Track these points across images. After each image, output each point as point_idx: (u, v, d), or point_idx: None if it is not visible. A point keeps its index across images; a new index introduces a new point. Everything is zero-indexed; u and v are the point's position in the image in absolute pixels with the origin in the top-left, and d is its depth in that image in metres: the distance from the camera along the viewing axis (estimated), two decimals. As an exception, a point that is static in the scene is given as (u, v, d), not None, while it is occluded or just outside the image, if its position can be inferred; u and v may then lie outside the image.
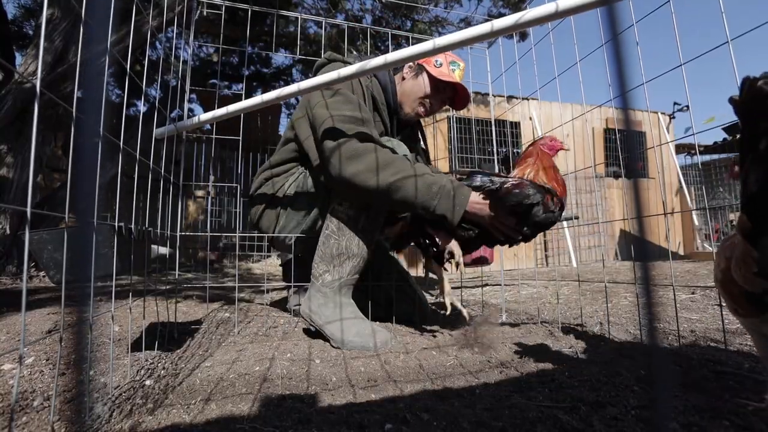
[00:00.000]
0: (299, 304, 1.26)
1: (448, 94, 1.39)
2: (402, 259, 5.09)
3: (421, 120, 1.55)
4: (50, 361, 0.89)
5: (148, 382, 0.79)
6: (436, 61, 1.32)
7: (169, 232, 1.20)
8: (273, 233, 1.39)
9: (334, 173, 1.08)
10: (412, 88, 1.36)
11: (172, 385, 0.77)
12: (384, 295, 1.44)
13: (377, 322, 1.23)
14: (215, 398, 0.71)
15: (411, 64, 1.35)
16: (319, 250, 1.19)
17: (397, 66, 0.95)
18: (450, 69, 1.32)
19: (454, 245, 1.17)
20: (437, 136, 5.27)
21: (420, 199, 1.05)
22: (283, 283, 1.60)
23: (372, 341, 1.04)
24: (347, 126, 1.09)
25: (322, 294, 1.16)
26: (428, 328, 1.35)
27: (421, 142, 1.58)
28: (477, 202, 1.09)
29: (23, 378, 0.79)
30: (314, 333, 1.19)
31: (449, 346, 1.09)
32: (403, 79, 1.38)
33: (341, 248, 1.16)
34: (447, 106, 1.44)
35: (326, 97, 1.15)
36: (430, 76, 1.33)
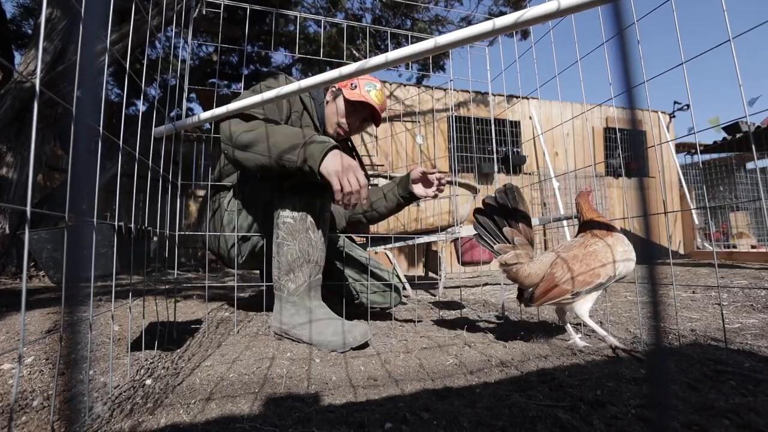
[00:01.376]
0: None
1: (365, 113, 1.48)
2: (403, 259, 5.10)
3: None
4: (50, 360, 0.89)
5: (148, 382, 0.79)
6: (352, 84, 1.43)
7: (168, 231, 1.20)
8: (218, 251, 1.46)
9: (222, 144, 1.17)
10: (330, 111, 1.46)
11: (172, 385, 0.77)
12: (348, 289, 1.54)
13: (356, 320, 1.25)
14: (215, 397, 0.71)
15: (333, 88, 1.46)
16: (275, 260, 1.20)
17: (397, 65, 0.95)
18: (365, 90, 1.42)
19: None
20: (437, 135, 5.27)
21: (288, 146, 1.08)
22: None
23: (351, 337, 1.04)
24: (238, 117, 1.19)
25: (291, 303, 1.16)
26: (426, 328, 1.35)
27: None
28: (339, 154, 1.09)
29: (23, 378, 0.79)
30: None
31: (449, 345, 1.09)
32: (327, 102, 1.48)
33: (296, 253, 1.16)
34: (370, 123, 1.54)
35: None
36: (344, 99, 1.42)
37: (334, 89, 1.47)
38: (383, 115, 1.53)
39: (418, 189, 1.54)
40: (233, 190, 1.41)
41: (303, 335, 1.11)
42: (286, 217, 1.18)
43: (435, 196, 1.51)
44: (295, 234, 1.17)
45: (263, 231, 1.36)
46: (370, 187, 1.67)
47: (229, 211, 1.38)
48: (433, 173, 1.50)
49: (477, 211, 1.14)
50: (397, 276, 1.56)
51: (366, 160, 4.80)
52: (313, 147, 1.06)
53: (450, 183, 2.66)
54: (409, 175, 1.54)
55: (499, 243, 1.11)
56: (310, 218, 1.18)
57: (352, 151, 1.66)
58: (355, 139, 4.52)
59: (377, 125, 1.54)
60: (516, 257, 1.08)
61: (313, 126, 1.43)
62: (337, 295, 1.48)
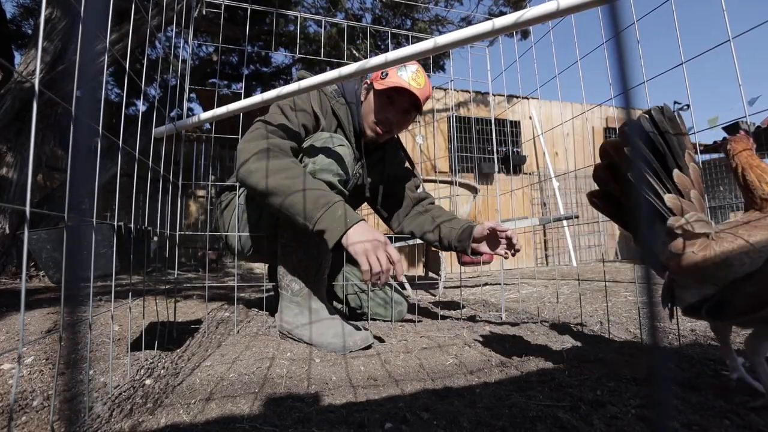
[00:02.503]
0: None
1: (404, 103, 1.27)
2: (403, 259, 5.10)
3: (400, 137, 1.52)
4: (50, 360, 0.89)
5: (148, 382, 0.79)
6: (382, 73, 1.25)
7: (168, 231, 1.20)
8: (226, 241, 1.39)
9: (237, 174, 1.06)
10: (365, 110, 1.30)
11: (172, 385, 0.77)
12: (349, 294, 1.49)
13: (359, 322, 1.25)
14: (215, 397, 0.71)
15: (365, 84, 1.32)
16: (281, 260, 1.19)
17: (396, 65, 0.95)
18: (398, 75, 1.23)
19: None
20: (437, 135, 5.27)
21: (308, 209, 0.96)
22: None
23: (351, 340, 1.04)
24: (260, 134, 1.09)
25: (295, 303, 1.16)
26: (426, 328, 1.35)
27: (405, 163, 1.52)
28: (364, 229, 0.96)
29: (23, 378, 0.79)
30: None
31: (449, 345, 1.09)
32: (362, 102, 1.32)
33: (301, 255, 1.15)
34: (414, 114, 1.33)
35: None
36: (375, 92, 1.26)
37: (366, 84, 1.32)
38: (427, 102, 1.30)
39: (483, 248, 1.27)
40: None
41: (304, 335, 1.11)
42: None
43: (506, 257, 1.25)
44: (300, 235, 1.14)
45: (272, 225, 1.28)
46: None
47: (242, 206, 1.34)
48: (504, 231, 1.22)
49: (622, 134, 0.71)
50: (399, 291, 1.49)
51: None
52: (333, 216, 0.94)
53: (450, 183, 2.66)
54: (472, 229, 1.27)
55: (667, 193, 0.64)
56: None
57: (401, 153, 1.50)
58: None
59: (420, 113, 1.31)
60: (702, 223, 0.62)
61: (348, 144, 1.21)
62: (340, 299, 1.47)
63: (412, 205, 1.48)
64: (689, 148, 0.66)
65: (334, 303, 1.52)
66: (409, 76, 1.23)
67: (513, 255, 1.22)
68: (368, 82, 1.30)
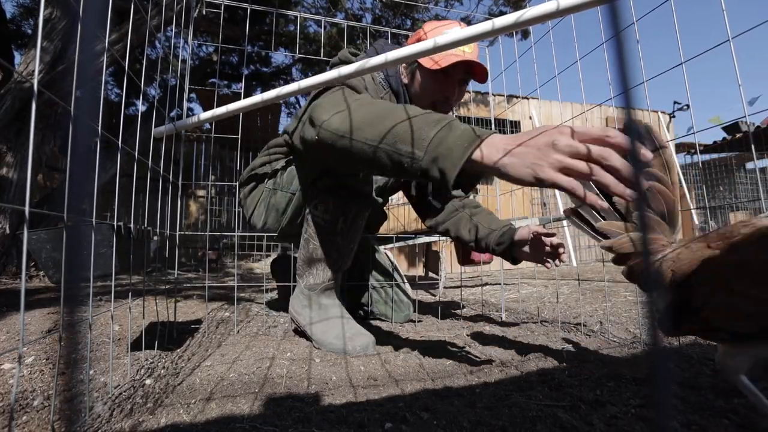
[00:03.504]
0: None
1: (459, 74, 1.16)
2: (403, 259, 5.09)
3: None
4: (50, 360, 0.89)
5: (148, 382, 0.79)
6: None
7: (168, 231, 1.20)
8: (252, 221, 1.30)
9: (307, 128, 0.87)
10: (418, 94, 1.18)
11: (172, 385, 0.77)
12: (364, 294, 1.47)
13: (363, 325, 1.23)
14: (215, 397, 0.71)
15: (405, 68, 1.20)
16: (300, 252, 1.18)
17: (397, 65, 0.94)
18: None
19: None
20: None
21: (416, 131, 0.68)
22: (282, 283, 1.61)
23: (351, 345, 1.02)
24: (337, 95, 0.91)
25: (305, 296, 1.16)
26: (426, 328, 1.35)
27: None
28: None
29: (23, 377, 0.79)
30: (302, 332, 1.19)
31: (449, 345, 1.09)
32: (406, 85, 1.21)
33: (320, 253, 1.13)
34: (468, 83, 1.21)
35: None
36: (427, 72, 1.14)
37: (407, 67, 1.19)
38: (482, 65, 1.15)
39: (523, 255, 1.15)
40: (272, 174, 1.25)
41: (307, 328, 1.11)
42: (317, 216, 1.10)
43: (548, 267, 1.12)
44: (323, 236, 1.11)
45: (298, 213, 1.22)
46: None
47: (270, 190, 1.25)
48: (550, 237, 1.09)
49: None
50: (405, 293, 1.48)
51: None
52: (455, 133, 0.65)
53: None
54: (514, 232, 1.15)
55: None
56: (341, 223, 1.10)
57: None
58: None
59: (482, 80, 1.17)
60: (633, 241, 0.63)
61: None
62: (351, 296, 1.46)
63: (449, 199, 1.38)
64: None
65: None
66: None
67: (557, 266, 1.09)
68: (411, 64, 1.17)
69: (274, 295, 1.95)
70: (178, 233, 1.25)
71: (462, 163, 0.62)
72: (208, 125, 1.42)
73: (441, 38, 0.84)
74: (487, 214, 1.31)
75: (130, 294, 0.90)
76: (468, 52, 1.12)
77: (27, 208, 0.49)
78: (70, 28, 2.74)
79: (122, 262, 0.84)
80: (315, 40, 5.36)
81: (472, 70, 1.16)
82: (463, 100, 5.42)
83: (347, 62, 1.10)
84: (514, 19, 0.78)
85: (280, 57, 6.82)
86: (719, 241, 0.54)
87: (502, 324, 1.39)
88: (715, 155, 7.33)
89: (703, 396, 0.67)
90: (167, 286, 1.97)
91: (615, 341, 1.09)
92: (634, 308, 1.50)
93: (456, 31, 0.84)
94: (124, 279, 2.61)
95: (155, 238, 1.09)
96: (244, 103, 1.11)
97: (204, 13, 1.58)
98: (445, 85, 1.16)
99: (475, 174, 0.77)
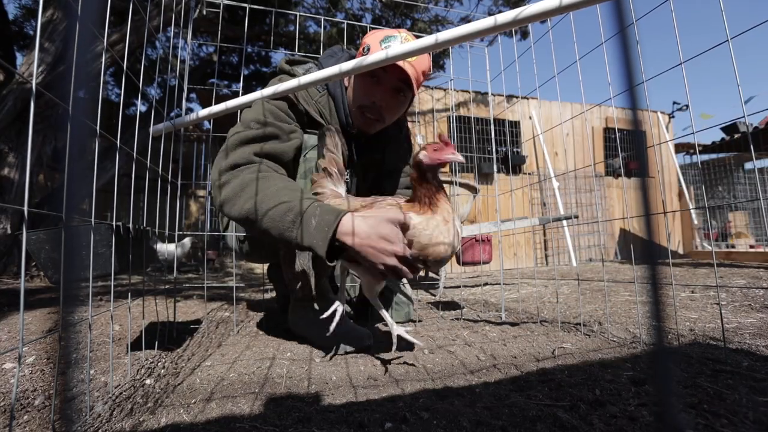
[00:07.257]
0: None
1: (392, 81, 1.08)
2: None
3: (409, 127, 1.41)
4: (51, 360, 0.90)
5: (148, 381, 0.79)
6: (365, 48, 1.08)
7: (168, 231, 1.20)
8: (225, 240, 1.36)
9: (215, 196, 1.00)
10: (349, 96, 1.15)
11: (172, 385, 0.77)
12: (361, 296, 1.48)
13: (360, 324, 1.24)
14: (215, 397, 0.71)
15: None
16: (283, 267, 1.18)
17: (397, 61, 0.94)
18: (383, 48, 1.02)
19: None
20: (437, 135, 5.26)
21: (281, 231, 0.88)
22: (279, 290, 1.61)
23: (345, 341, 1.04)
24: (238, 147, 1.00)
25: (300, 306, 1.17)
26: (426, 328, 1.35)
27: (406, 158, 1.40)
28: (351, 223, 0.84)
29: (24, 377, 0.79)
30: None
31: (449, 345, 1.09)
32: (345, 89, 1.17)
33: (302, 264, 1.14)
34: (408, 94, 1.14)
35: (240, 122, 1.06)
36: (358, 75, 1.10)
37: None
38: (423, 77, 1.12)
39: None
40: None
41: (303, 332, 1.12)
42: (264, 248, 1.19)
43: None
44: (286, 260, 1.14)
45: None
46: None
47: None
48: None
49: None
50: (403, 292, 1.49)
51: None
52: (309, 230, 0.85)
53: (450, 183, 2.66)
54: None
55: None
56: (284, 250, 1.14)
57: (404, 147, 1.37)
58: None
59: (412, 91, 1.11)
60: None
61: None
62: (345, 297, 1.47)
63: None
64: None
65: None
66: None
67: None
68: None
69: (274, 294, 1.95)
70: (177, 233, 1.25)
71: (326, 255, 0.85)
72: (208, 124, 1.42)
73: (442, 35, 0.84)
74: None
75: (130, 294, 0.90)
76: (411, 60, 1.06)
77: (26, 208, 0.49)
78: (71, 29, 2.74)
79: (121, 262, 0.84)
80: (315, 40, 5.36)
81: (405, 79, 1.08)
82: (463, 100, 5.42)
83: (290, 74, 1.16)
84: (514, 15, 0.78)
85: (279, 57, 6.82)
86: (366, 205, 0.91)
87: (502, 324, 1.39)
88: (714, 155, 7.34)
89: (702, 395, 0.67)
90: (167, 286, 1.97)
91: (615, 341, 1.09)
92: (633, 308, 1.50)
93: (459, 27, 0.84)
94: (124, 279, 2.61)
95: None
96: (241, 100, 1.11)
97: (204, 13, 1.58)
98: (372, 91, 1.10)
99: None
